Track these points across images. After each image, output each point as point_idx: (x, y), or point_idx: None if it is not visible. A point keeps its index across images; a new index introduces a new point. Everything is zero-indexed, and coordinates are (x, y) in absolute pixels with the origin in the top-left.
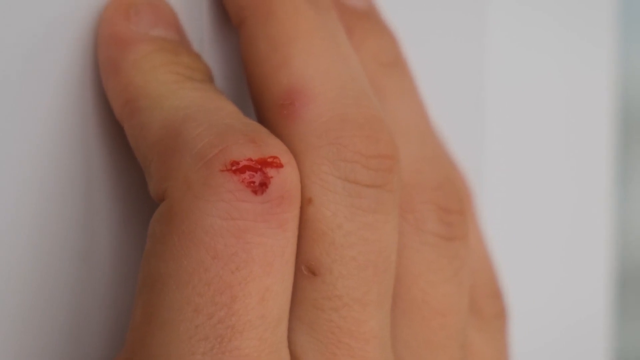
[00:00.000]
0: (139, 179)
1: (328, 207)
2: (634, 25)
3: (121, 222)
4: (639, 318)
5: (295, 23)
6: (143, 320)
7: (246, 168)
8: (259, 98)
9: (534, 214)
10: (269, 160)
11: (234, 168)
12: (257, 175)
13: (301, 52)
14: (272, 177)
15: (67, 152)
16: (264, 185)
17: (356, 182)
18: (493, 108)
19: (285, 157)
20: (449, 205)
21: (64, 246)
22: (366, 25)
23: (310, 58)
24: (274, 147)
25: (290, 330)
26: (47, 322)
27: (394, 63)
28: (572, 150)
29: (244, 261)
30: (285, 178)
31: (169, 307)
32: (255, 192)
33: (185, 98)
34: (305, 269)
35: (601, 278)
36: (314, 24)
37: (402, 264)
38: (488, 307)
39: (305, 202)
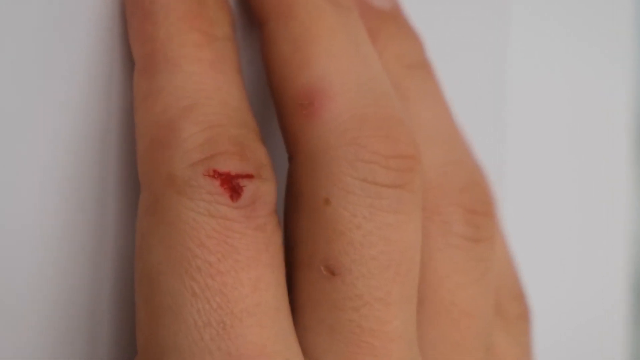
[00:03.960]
0: None
1: (346, 207)
2: None
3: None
4: None
5: (317, 24)
6: (147, 314)
7: (226, 175)
8: (279, 97)
9: (553, 216)
10: (244, 174)
11: (215, 175)
12: (232, 184)
13: (322, 52)
14: (244, 186)
15: (82, 145)
16: (237, 193)
17: (375, 182)
18: (514, 111)
19: (261, 171)
20: (475, 207)
21: (77, 242)
22: (391, 27)
23: (331, 59)
24: (254, 162)
25: (310, 332)
26: (60, 321)
27: (418, 65)
28: (591, 155)
29: (228, 251)
30: (257, 188)
31: (169, 294)
32: (231, 197)
33: (198, 78)
34: (324, 269)
35: (619, 281)
36: (336, 25)
37: (428, 265)
38: (512, 309)
39: (322, 203)
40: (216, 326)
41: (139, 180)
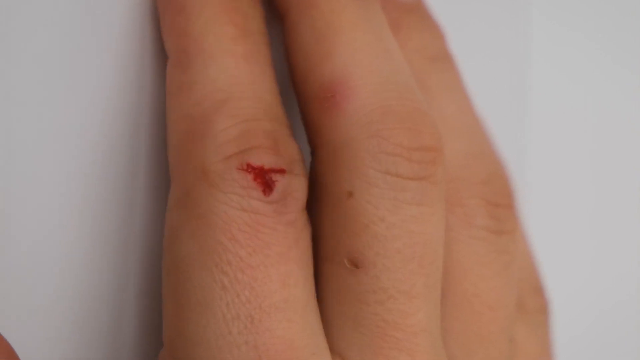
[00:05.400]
0: None
1: (369, 200)
2: None
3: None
4: None
5: (339, 15)
6: (175, 307)
7: (259, 170)
8: (302, 89)
9: (573, 210)
10: (276, 169)
11: (248, 169)
12: (265, 179)
13: (344, 44)
14: (276, 181)
15: (111, 140)
16: (269, 188)
17: (398, 175)
18: (535, 105)
19: (293, 166)
20: (497, 200)
21: (104, 237)
22: (413, 19)
23: (354, 51)
24: (287, 157)
25: (334, 326)
26: (86, 314)
27: (440, 57)
28: (610, 149)
29: (259, 246)
30: (289, 183)
31: (198, 287)
32: (263, 192)
33: (232, 72)
34: (348, 262)
35: (638, 274)
36: (358, 17)
37: (451, 257)
38: (531, 302)
39: (345, 196)
40: (244, 320)
41: (170, 173)
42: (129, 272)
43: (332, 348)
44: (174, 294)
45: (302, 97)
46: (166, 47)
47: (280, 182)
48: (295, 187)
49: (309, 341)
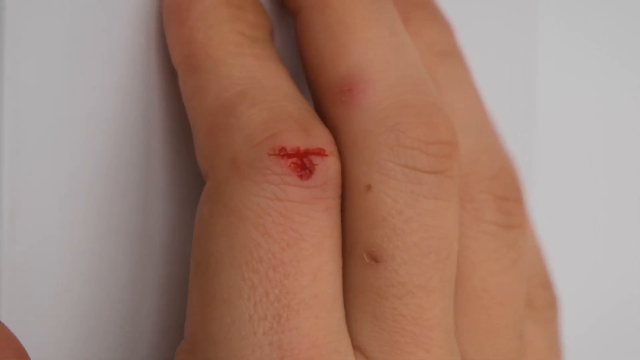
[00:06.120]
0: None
1: (388, 193)
2: None
3: (180, 203)
4: None
5: (352, 11)
6: (201, 303)
7: (293, 154)
8: (316, 85)
9: (581, 204)
10: (315, 149)
11: (282, 153)
12: (303, 162)
13: (359, 40)
14: (316, 164)
15: (127, 130)
16: (309, 172)
17: (416, 168)
18: (544, 100)
19: (330, 147)
20: (506, 194)
21: (123, 229)
22: (422, 14)
23: (368, 46)
24: (321, 138)
25: (352, 320)
26: (106, 305)
27: (449, 53)
28: (618, 144)
29: (293, 239)
30: (329, 166)
31: (225, 285)
32: (300, 177)
33: (244, 68)
34: (367, 256)
35: None
36: (371, 12)
37: (461, 253)
38: (540, 298)
39: (363, 189)
40: (271, 320)
41: (202, 172)
42: (146, 270)
43: (352, 342)
44: (200, 290)
45: (317, 94)
46: (174, 60)
47: (320, 165)
48: (335, 170)
49: (332, 337)
